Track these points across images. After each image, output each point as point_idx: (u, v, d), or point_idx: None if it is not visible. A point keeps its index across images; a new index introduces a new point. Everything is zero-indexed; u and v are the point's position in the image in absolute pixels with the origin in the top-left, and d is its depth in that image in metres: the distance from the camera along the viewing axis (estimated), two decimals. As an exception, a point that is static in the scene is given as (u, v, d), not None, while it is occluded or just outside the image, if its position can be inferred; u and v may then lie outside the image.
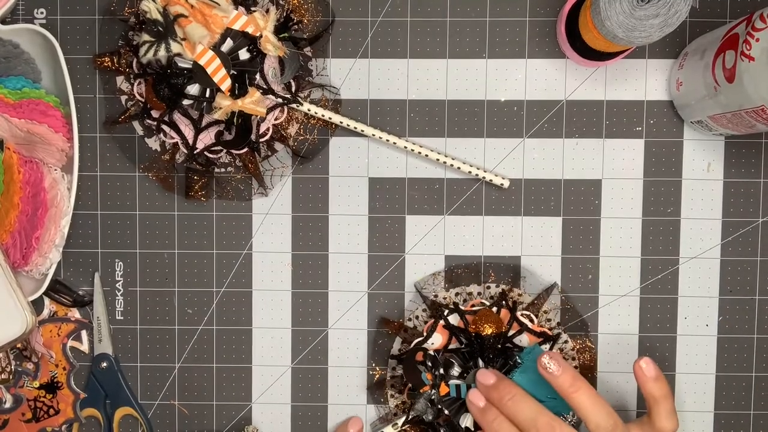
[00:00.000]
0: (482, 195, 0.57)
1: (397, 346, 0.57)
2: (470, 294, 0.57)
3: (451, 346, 0.55)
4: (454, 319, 0.55)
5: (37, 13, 0.57)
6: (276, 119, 0.55)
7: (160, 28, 0.52)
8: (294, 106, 0.55)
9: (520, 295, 0.56)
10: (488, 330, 0.54)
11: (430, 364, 0.53)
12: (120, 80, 0.56)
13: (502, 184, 0.56)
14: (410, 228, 0.57)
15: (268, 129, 0.55)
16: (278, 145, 0.56)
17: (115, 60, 0.55)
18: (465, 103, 0.56)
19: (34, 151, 0.55)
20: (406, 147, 0.56)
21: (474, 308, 0.55)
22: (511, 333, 0.54)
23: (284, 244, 0.58)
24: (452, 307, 0.55)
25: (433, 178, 0.57)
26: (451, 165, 0.56)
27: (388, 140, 0.56)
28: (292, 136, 0.56)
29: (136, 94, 0.55)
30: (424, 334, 0.55)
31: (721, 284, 0.57)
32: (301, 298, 0.58)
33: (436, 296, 0.57)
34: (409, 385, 0.55)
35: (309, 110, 0.55)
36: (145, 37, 0.52)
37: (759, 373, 0.57)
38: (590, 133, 0.56)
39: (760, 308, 0.57)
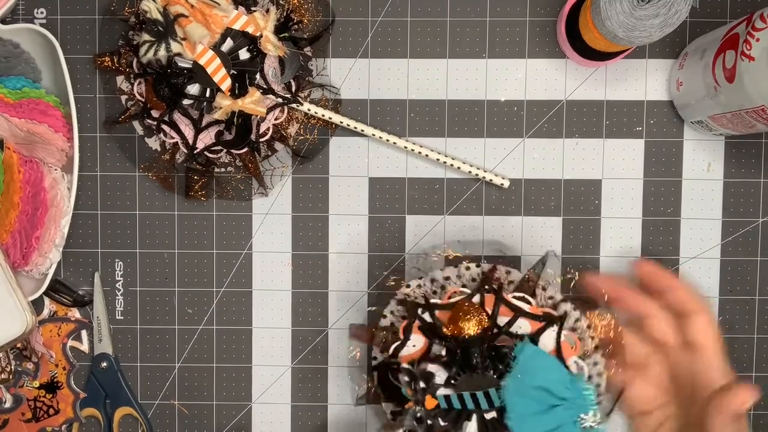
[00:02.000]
0: (482, 195, 0.57)
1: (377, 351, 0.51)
2: (447, 279, 0.48)
3: (437, 347, 0.46)
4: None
5: (37, 12, 0.57)
6: (276, 119, 0.55)
7: (160, 28, 0.52)
8: (294, 106, 0.55)
9: (508, 272, 0.48)
10: (470, 327, 0.45)
11: (407, 379, 0.45)
12: (120, 80, 0.56)
13: (502, 184, 0.56)
14: (410, 228, 0.57)
15: (268, 129, 0.55)
16: (278, 145, 0.56)
17: (115, 60, 0.55)
18: (465, 103, 0.56)
19: (34, 151, 0.55)
20: (406, 147, 0.56)
21: (452, 299, 0.46)
22: (505, 321, 0.45)
23: (284, 244, 0.58)
24: (423, 302, 0.46)
25: (433, 178, 0.57)
26: (451, 165, 0.56)
27: (388, 140, 0.56)
28: (292, 136, 0.56)
29: (136, 94, 0.55)
30: (401, 337, 0.46)
31: (721, 284, 0.57)
32: (301, 298, 0.58)
33: (409, 286, 0.49)
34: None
35: (309, 110, 0.55)
36: (145, 36, 0.52)
37: (759, 373, 0.57)
38: (590, 133, 0.56)
39: (760, 308, 0.57)
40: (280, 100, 0.54)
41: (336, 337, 0.58)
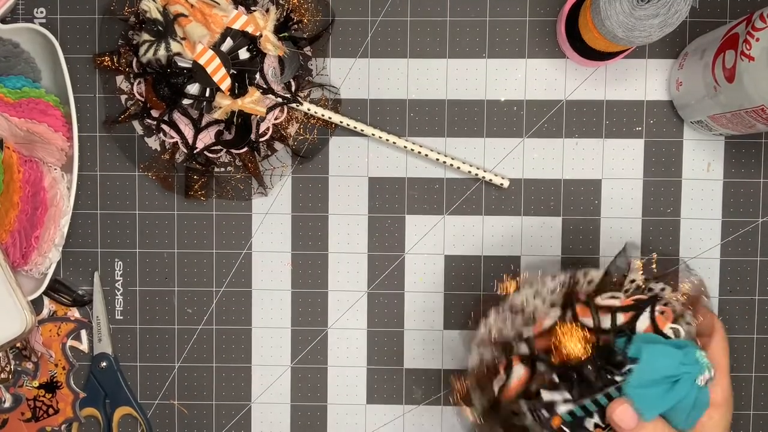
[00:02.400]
0: (482, 195, 0.57)
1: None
2: (524, 302, 0.47)
3: (544, 371, 0.45)
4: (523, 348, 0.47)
5: (37, 12, 0.57)
6: (276, 119, 0.55)
7: (160, 28, 0.52)
8: (294, 105, 0.55)
9: (585, 273, 0.47)
10: (577, 350, 0.44)
11: (531, 416, 0.44)
12: (120, 80, 0.56)
13: (502, 184, 0.56)
14: (410, 228, 0.57)
15: (267, 128, 0.55)
16: (278, 145, 0.56)
17: (115, 59, 0.55)
18: (465, 103, 0.56)
19: (33, 151, 0.55)
20: (406, 147, 0.56)
21: (545, 325, 0.45)
22: (605, 321, 0.44)
23: (284, 243, 0.58)
24: (516, 339, 0.46)
25: (433, 178, 0.57)
26: (451, 165, 0.56)
27: (388, 140, 0.56)
28: (292, 136, 0.56)
29: (136, 94, 0.55)
30: (501, 373, 0.46)
31: (721, 284, 0.57)
32: (301, 297, 0.58)
33: (487, 316, 0.48)
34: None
35: (309, 110, 0.55)
36: (145, 36, 0.52)
37: (759, 373, 0.57)
38: (590, 133, 0.56)
39: (760, 308, 0.57)
40: (279, 99, 0.54)
41: (335, 337, 0.58)
